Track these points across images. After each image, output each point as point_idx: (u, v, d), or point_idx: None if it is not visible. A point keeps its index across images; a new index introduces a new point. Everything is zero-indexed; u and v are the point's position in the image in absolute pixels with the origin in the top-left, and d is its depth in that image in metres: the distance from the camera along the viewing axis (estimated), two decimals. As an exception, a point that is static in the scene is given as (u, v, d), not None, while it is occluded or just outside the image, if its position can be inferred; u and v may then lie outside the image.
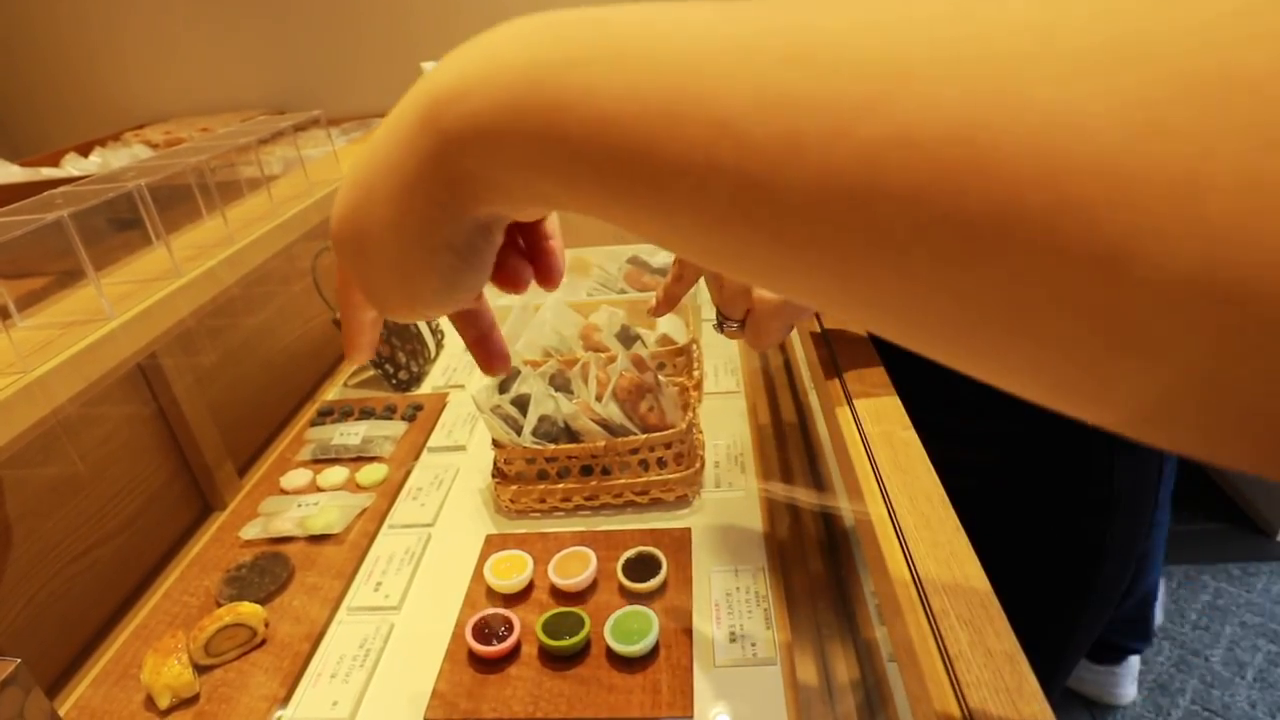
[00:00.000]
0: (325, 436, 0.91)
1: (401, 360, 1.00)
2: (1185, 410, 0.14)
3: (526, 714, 0.56)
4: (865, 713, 0.56)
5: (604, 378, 0.78)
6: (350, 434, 0.90)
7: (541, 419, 0.76)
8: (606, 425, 0.74)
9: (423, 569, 0.72)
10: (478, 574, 0.69)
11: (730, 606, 0.63)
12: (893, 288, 0.16)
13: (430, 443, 0.90)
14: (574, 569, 0.66)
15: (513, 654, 0.61)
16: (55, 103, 1.79)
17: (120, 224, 0.78)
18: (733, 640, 0.60)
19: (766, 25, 0.17)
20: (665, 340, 0.92)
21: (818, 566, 0.68)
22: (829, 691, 0.57)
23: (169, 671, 0.59)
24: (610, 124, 0.19)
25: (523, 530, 0.75)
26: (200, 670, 0.62)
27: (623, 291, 1.07)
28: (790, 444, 0.85)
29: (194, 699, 0.60)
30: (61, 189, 0.69)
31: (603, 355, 0.83)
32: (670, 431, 0.73)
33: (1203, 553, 1.79)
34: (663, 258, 1.09)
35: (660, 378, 0.79)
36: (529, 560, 0.68)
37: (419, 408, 0.95)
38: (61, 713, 0.60)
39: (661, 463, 0.74)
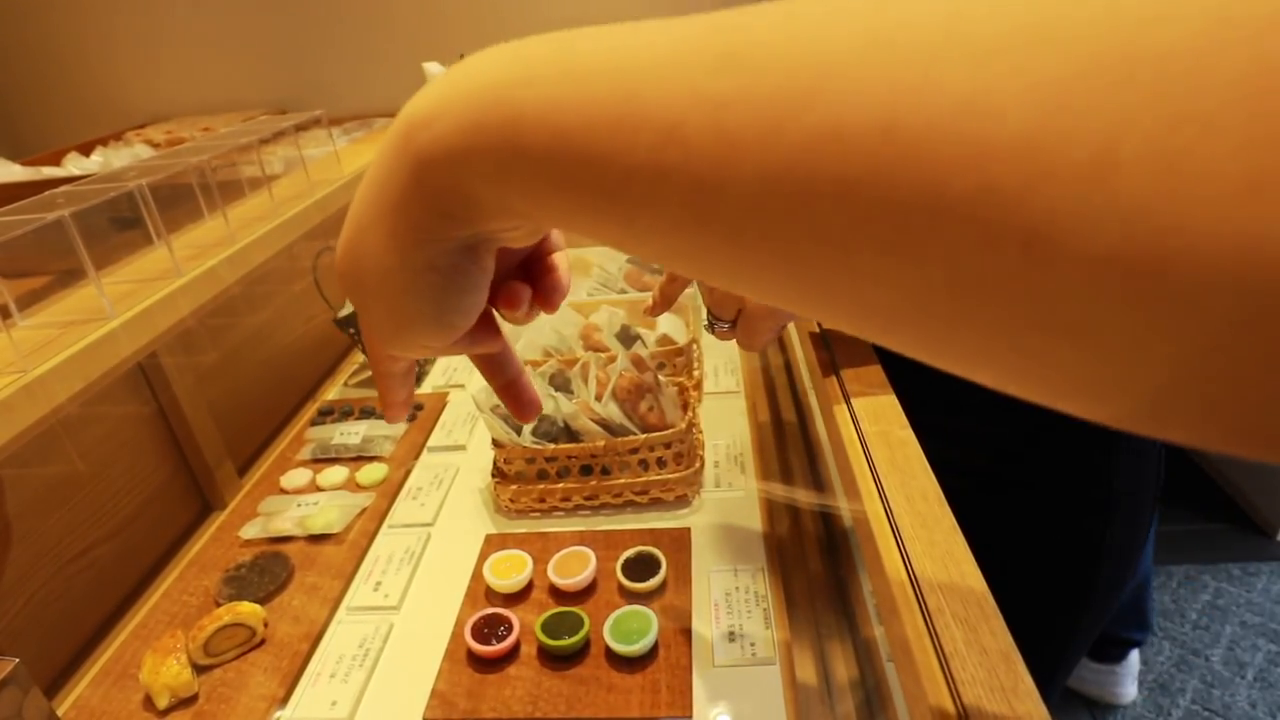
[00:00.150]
0: (325, 436, 0.91)
1: (401, 360, 1.00)
2: (1128, 388, 0.14)
3: (525, 714, 0.56)
4: (864, 712, 0.56)
5: (604, 377, 0.78)
6: (350, 433, 0.90)
7: (541, 419, 0.76)
8: (606, 425, 0.74)
9: (422, 569, 0.72)
10: (477, 574, 0.69)
11: (729, 606, 0.63)
12: (842, 283, 0.16)
13: (430, 442, 0.90)
14: (573, 569, 0.66)
15: (512, 654, 0.61)
16: (57, 102, 1.79)
17: (121, 223, 0.78)
18: (732, 640, 0.60)
19: (703, 29, 0.18)
20: (665, 340, 0.92)
21: (817, 566, 0.68)
22: (828, 691, 0.57)
23: (168, 671, 0.59)
24: (563, 136, 0.19)
25: (522, 530, 0.75)
26: (199, 670, 0.62)
27: (623, 291, 1.07)
28: (790, 444, 0.85)
29: (193, 699, 0.60)
30: (63, 188, 0.69)
31: (603, 355, 0.83)
32: (670, 431, 0.73)
33: (1203, 553, 1.79)
34: (663, 258, 1.08)
35: (660, 377, 0.79)
36: (528, 560, 0.68)
37: (419, 407, 0.95)
38: (60, 712, 0.61)
39: (661, 462, 0.74)
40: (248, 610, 0.64)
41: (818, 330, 0.71)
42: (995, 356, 0.16)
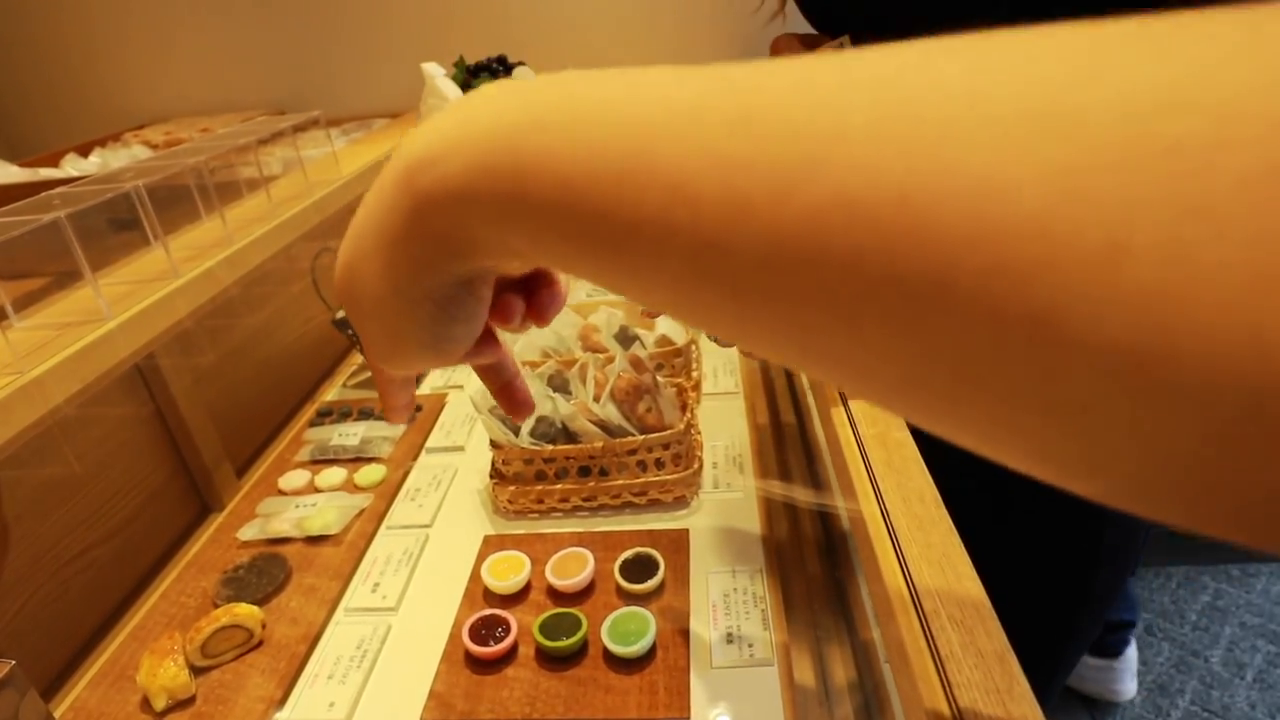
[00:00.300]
0: (324, 437, 0.91)
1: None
2: (1122, 471, 0.14)
3: (523, 715, 0.56)
4: (862, 715, 0.56)
5: (602, 379, 0.78)
6: (349, 435, 0.90)
7: (540, 420, 0.76)
8: (604, 426, 0.74)
9: (420, 570, 0.72)
10: (475, 575, 0.69)
11: (728, 607, 0.63)
12: (845, 350, 0.16)
13: (428, 443, 0.90)
14: (571, 570, 0.66)
15: (510, 655, 0.61)
16: (55, 103, 1.79)
17: (118, 224, 0.78)
18: (730, 641, 0.60)
19: (716, 87, 0.18)
20: (663, 341, 0.92)
21: (815, 568, 0.67)
22: (826, 693, 0.57)
23: (165, 673, 0.59)
24: (568, 187, 0.19)
25: (520, 531, 0.75)
26: (197, 672, 0.62)
27: (621, 292, 1.07)
28: (789, 445, 0.85)
29: (190, 700, 0.60)
30: (59, 190, 0.69)
31: (601, 356, 0.83)
32: (668, 432, 0.73)
33: (1203, 553, 1.79)
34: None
35: (658, 378, 0.79)
36: (526, 561, 0.68)
37: (418, 408, 0.95)
38: (57, 714, 0.61)
39: (659, 464, 0.74)
40: (245, 612, 0.64)
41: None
42: (992, 432, 0.16)
